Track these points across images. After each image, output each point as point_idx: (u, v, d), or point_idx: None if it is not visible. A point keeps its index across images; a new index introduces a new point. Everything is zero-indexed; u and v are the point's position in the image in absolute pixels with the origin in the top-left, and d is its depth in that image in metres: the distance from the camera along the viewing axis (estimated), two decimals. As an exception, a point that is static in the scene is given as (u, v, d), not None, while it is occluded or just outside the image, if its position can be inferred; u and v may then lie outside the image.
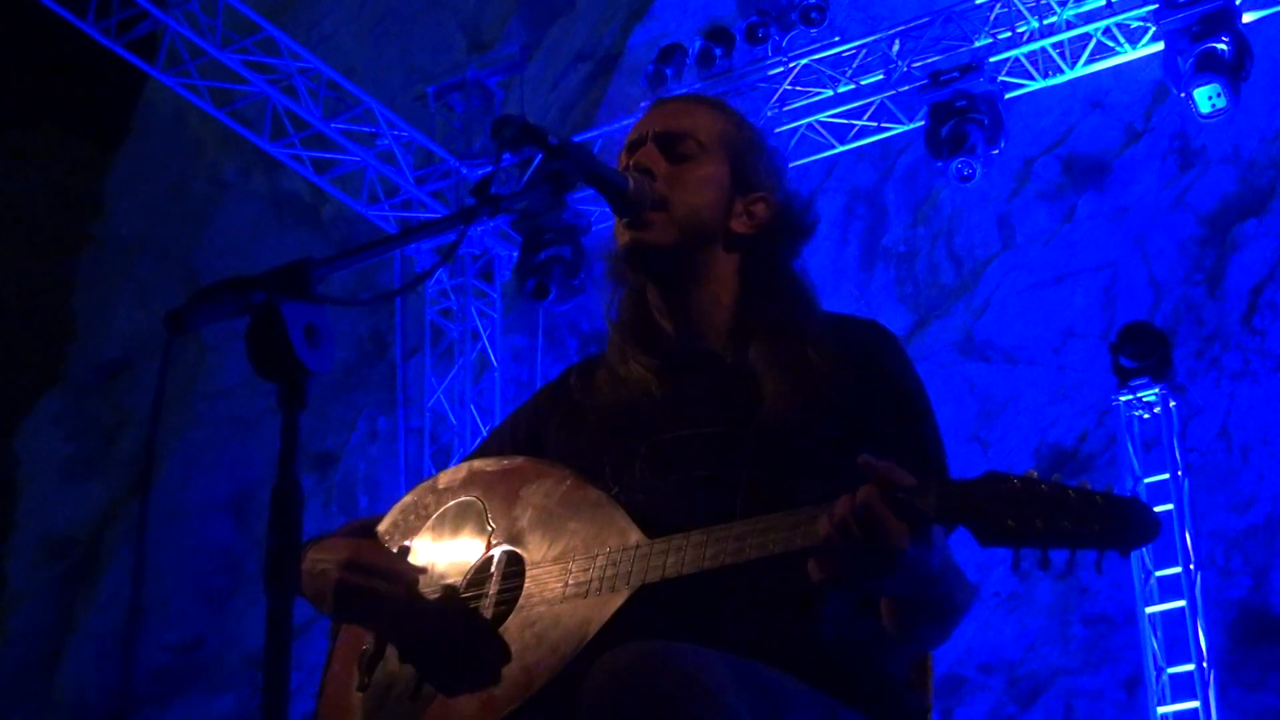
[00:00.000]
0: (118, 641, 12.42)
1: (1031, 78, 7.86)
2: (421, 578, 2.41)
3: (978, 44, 7.82)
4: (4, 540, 14.02)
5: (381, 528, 2.56)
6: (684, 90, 8.18)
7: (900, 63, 8.02)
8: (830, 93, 8.25)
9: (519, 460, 2.49)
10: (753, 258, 2.50)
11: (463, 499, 2.48)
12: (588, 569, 2.24)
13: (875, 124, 8.33)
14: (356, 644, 2.44)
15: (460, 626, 2.31)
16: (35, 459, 14.16)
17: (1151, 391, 7.46)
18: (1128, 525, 1.92)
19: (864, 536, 1.98)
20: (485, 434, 8.97)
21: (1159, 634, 7.43)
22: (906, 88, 8.03)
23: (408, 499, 2.58)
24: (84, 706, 12.54)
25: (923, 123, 7.87)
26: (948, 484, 2.01)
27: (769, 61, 8.26)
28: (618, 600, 2.18)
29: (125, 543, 13.11)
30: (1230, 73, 7.10)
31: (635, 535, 2.24)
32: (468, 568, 2.39)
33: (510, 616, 2.28)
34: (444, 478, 2.57)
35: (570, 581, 2.25)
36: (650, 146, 2.50)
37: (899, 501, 1.99)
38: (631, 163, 2.49)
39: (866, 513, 1.98)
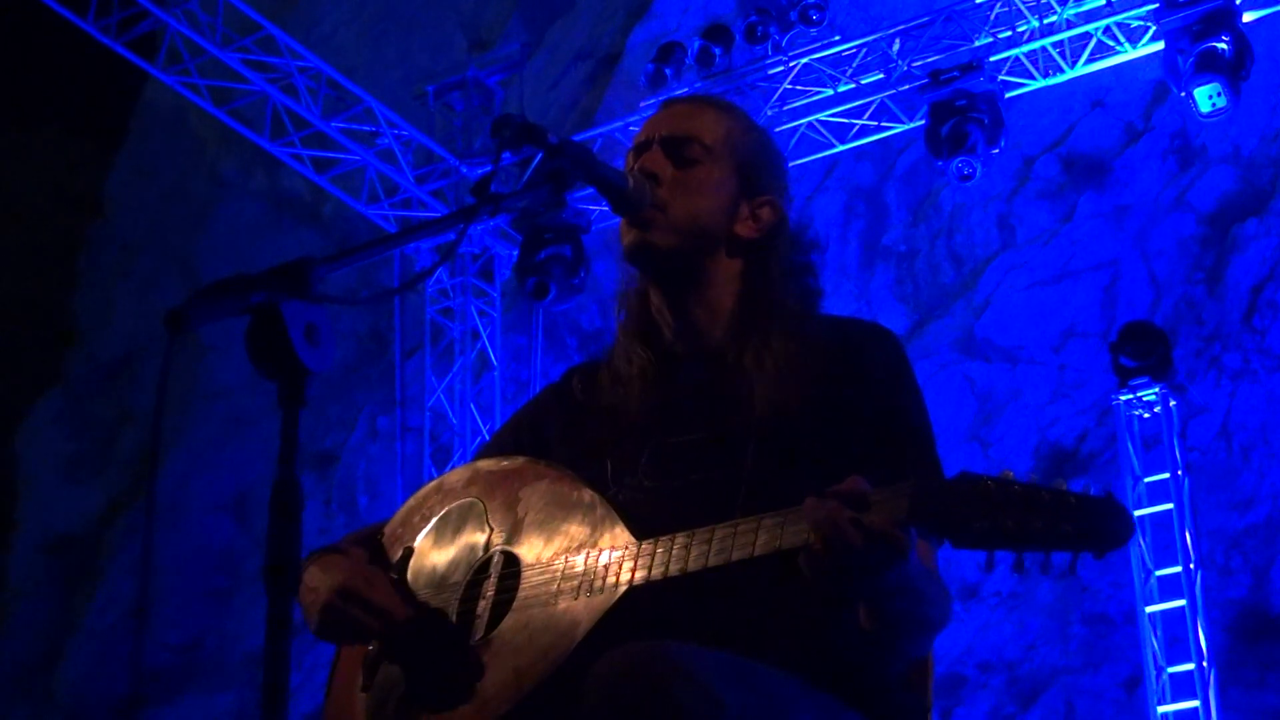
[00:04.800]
0: (118, 641, 12.43)
1: (1032, 77, 7.86)
2: (422, 580, 2.42)
3: (978, 43, 7.82)
4: (4, 539, 14.02)
5: (390, 528, 2.57)
6: (685, 90, 8.18)
7: (900, 62, 8.02)
8: (830, 92, 8.25)
9: (519, 461, 2.49)
10: (758, 261, 2.49)
11: (464, 500, 2.49)
12: (579, 570, 2.25)
13: (875, 123, 8.32)
14: (362, 645, 2.44)
15: (442, 649, 2.31)
16: (35, 459, 14.16)
17: (1152, 391, 7.45)
18: (1101, 527, 1.91)
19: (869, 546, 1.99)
20: (485, 433, 8.99)
21: (1159, 633, 7.43)
22: (907, 87, 8.03)
23: (415, 499, 2.59)
24: (84, 706, 12.54)
25: (923, 122, 7.87)
26: (919, 487, 2.00)
27: (769, 61, 8.26)
28: (607, 602, 2.19)
29: (125, 542, 13.11)
30: (1230, 72, 7.10)
31: (626, 537, 2.25)
32: (468, 569, 2.40)
33: (506, 618, 2.29)
34: (449, 479, 2.58)
35: (563, 583, 2.25)
36: (656, 150, 2.50)
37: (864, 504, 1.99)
38: (637, 166, 2.49)
39: (882, 535, 1.99)
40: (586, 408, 2.54)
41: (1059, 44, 7.71)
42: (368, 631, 2.33)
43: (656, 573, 2.17)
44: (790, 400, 2.33)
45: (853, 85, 8.21)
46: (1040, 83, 7.86)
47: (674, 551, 2.17)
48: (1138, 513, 7.38)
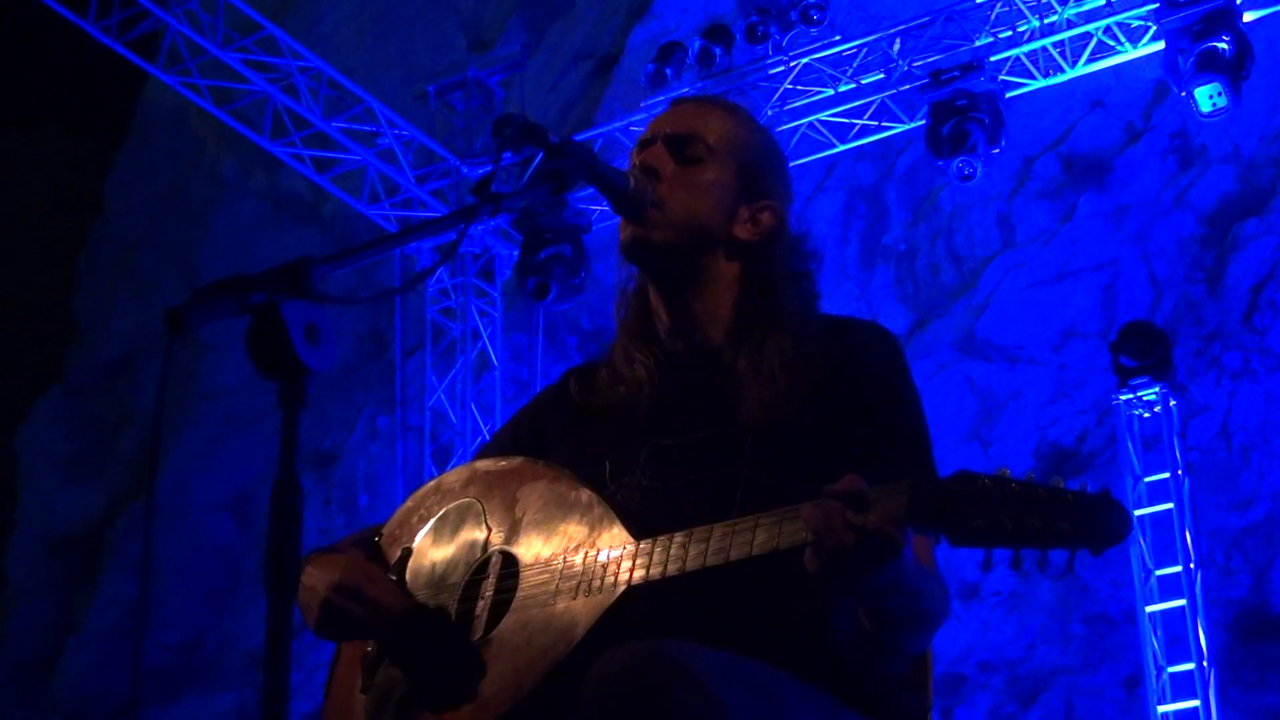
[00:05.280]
0: (118, 641, 12.43)
1: (1032, 77, 7.86)
2: (421, 580, 2.42)
3: (978, 43, 7.81)
4: (4, 539, 14.02)
5: (388, 529, 2.56)
6: (686, 90, 8.18)
7: (901, 62, 8.02)
8: (831, 92, 8.24)
9: (518, 461, 2.49)
10: (757, 265, 2.49)
11: (463, 500, 2.49)
12: (578, 570, 2.25)
13: (876, 123, 8.32)
14: (360, 645, 2.45)
15: (442, 646, 2.31)
16: (35, 459, 14.16)
17: (1152, 390, 7.45)
18: (1097, 524, 1.91)
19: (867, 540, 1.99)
20: (485, 433, 8.99)
21: (1159, 633, 7.43)
22: (907, 87, 8.03)
23: (414, 499, 2.59)
24: (84, 706, 12.54)
25: (923, 122, 7.87)
26: (917, 484, 2.01)
27: (770, 61, 8.26)
28: (606, 602, 2.19)
29: (125, 542, 13.12)
30: (1231, 72, 7.10)
31: (625, 536, 2.25)
32: (466, 569, 2.40)
33: (504, 619, 2.29)
34: (447, 479, 2.57)
35: (561, 583, 2.25)
36: (659, 146, 2.50)
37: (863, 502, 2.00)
38: (639, 162, 2.49)
39: (879, 532, 1.99)
40: (585, 408, 2.54)
41: (1059, 44, 7.71)
42: (366, 626, 2.33)
43: (655, 572, 2.17)
44: (785, 401, 2.33)
45: (853, 85, 8.20)
46: (1041, 82, 7.86)
47: (673, 551, 2.17)
48: (1138, 512, 7.38)
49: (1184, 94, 7.26)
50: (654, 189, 2.44)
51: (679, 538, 2.18)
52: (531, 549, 2.33)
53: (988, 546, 1.94)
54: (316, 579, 2.34)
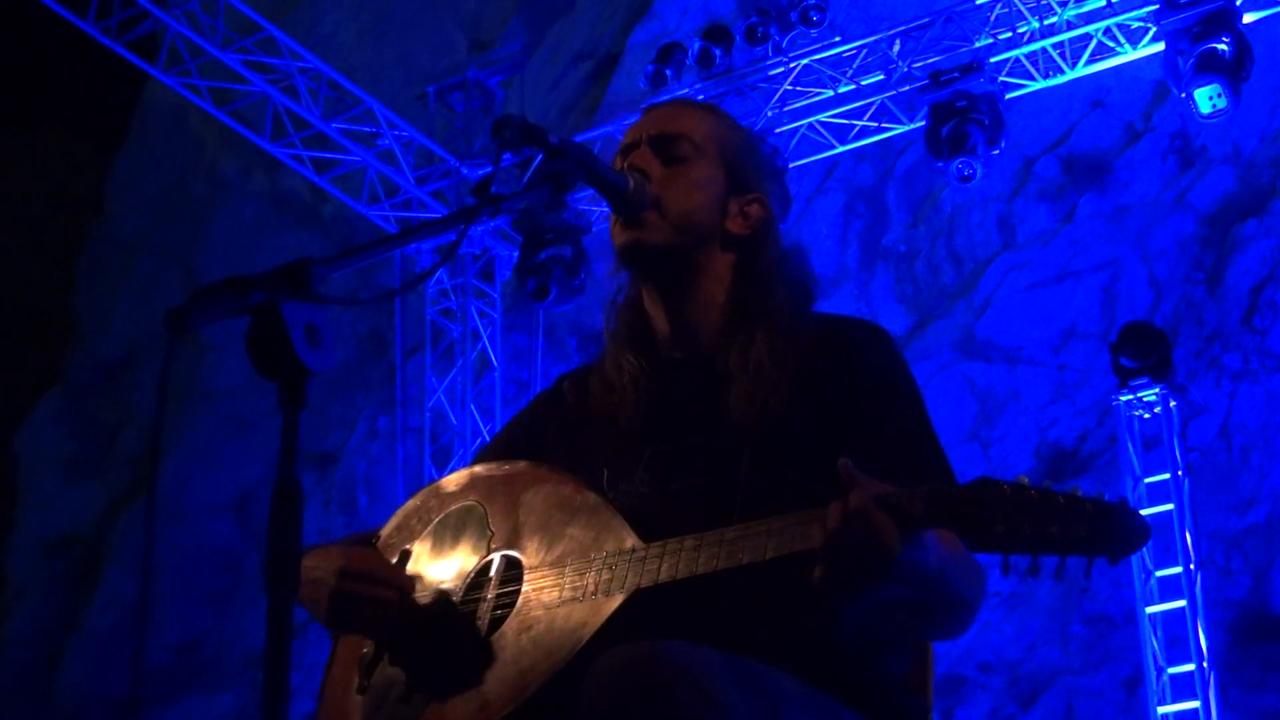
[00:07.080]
0: (118, 641, 12.43)
1: (1032, 78, 7.86)
2: (422, 582, 2.42)
3: (978, 44, 7.81)
4: (4, 540, 14.02)
5: (385, 531, 2.55)
6: (684, 91, 8.19)
7: (901, 63, 8.02)
8: (831, 93, 8.25)
9: (520, 465, 2.49)
10: (748, 258, 2.49)
11: (464, 504, 2.48)
12: (583, 573, 2.24)
13: (876, 124, 8.32)
14: (357, 646, 2.44)
15: (451, 633, 2.31)
16: (35, 459, 14.16)
17: (1152, 391, 7.45)
18: (1116, 532, 1.92)
19: (860, 541, 1.98)
20: (485, 434, 8.99)
21: (1159, 634, 7.43)
22: (907, 88, 8.03)
23: (412, 503, 2.58)
24: (84, 706, 12.54)
25: (923, 123, 7.87)
26: (936, 490, 2.01)
27: (769, 61, 8.26)
28: (612, 604, 2.19)
29: (126, 542, 13.12)
30: (1231, 73, 7.10)
31: (631, 540, 2.24)
32: (468, 572, 2.39)
33: (507, 621, 2.28)
34: (446, 483, 2.57)
35: (566, 586, 2.25)
36: (645, 150, 2.50)
37: (889, 505, 1.99)
38: (626, 166, 2.49)
39: (861, 517, 1.98)
40: (579, 415, 2.54)
41: (1059, 45, 7.71)
42: (380, 608, 2.32)
43: (665, 576, 2.17)
44: (773, 395, 2.33)
45: (853, 86, 8.20)
46: (1040, 84, 7.86)
47: (682, 555, 2.17)
48: (1138, 513, 7.37)
49: (1184, 95, 7.26)
50: (650, 190, 2.45)
51: (689, 541, 2.17)
52: (535, 552, 2.33)
53: (1006, 553, 1.94)
54: (321, 570, 2.33)
